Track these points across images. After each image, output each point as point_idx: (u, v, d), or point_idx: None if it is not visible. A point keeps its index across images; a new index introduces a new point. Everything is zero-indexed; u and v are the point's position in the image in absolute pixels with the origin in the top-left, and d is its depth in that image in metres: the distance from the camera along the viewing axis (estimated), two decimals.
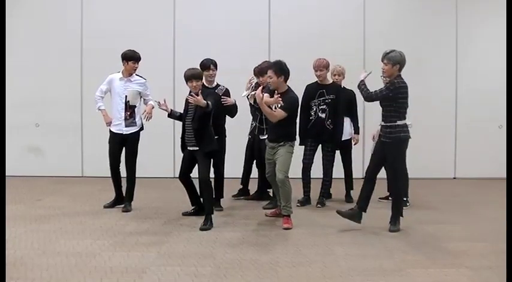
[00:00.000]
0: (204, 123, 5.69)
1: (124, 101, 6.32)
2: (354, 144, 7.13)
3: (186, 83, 5.73)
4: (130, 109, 6.35)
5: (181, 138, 5.90)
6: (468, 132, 9.04)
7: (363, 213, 5.57)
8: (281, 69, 5.71)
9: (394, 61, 5.36)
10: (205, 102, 5.52)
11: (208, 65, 6.36)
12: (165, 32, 9.00)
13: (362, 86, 5.50)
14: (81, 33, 9.05)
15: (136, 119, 6.37)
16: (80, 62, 9.04)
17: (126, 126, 6.33)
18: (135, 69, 6.36)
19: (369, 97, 5.46)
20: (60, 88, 8.97)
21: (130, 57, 6.29)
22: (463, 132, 9.09)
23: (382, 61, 5.43)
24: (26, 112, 9.00)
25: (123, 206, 6.42)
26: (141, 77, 6.44)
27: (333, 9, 8.98)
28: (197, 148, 5.72)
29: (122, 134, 6.35)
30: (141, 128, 6.46)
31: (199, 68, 6.09)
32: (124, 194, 6.47)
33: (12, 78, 8.68)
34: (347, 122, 6.93)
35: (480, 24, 9.03)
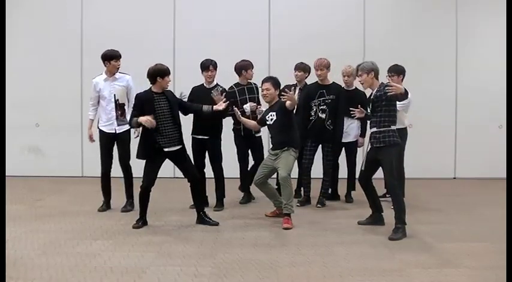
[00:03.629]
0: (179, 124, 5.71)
1: (114, 100, 6.32)
2: (358, 147, 7.11)
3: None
4: (121, 108, 6.37)
5: (151, 143, 5.54)
6: (468, 132, 9.04)
7: (382, 213, 5.72)
8: (278, 83, 6.00)
9: (368, 69, 5.41)
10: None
11: (207, 65, 6.38)
12: (165, 32, 9.00)
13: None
14: (81, 33, 9.06)
15: (127, 118, 6.36)
16: (80, 62, 9.04)
17: (118, 125, 6.35)
18: (118, 68, 6.35)
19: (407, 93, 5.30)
20: (60, 88, 8.98)
21: (111, 57, 6.28)
22: (463, 132, 9.09)
23: (357, 75, 5.52)
24: (26, 112, 9.00)
25: (123, 205, 6.43)
26: (124, 73, 6.43)
27: (333, 9, 8.98)
28: (180, 146, 5.67)
29: (114, 133, 6.36)
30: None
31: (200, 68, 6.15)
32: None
33: (12, 78, 8.69)
34: (354, 123, 6.91)
35: (480, 24, 9.03)
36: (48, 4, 9.08)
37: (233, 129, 6.83)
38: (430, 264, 4.44)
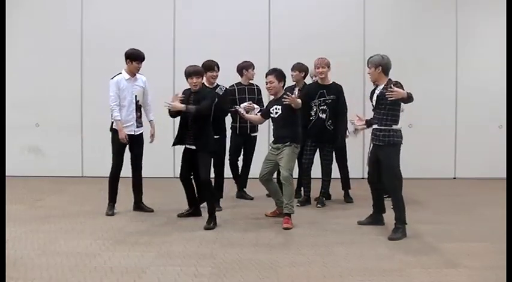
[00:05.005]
0: (200, 124, 5.69)
1: (135, 101, 6.18)
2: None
3: (187, 79, 5.74)
4: (139, 109, 6.27)
5: (178, 133, 5.86)
6: (468, 132, 9.04)
7: (383, 214, 5.72)
8: (282, 75, 5.94)
9: (376, 64, 5.38)
10: (183, 106, 5.63)
11: (212, 66, 6.39)
12: (165, 32, 9.00)
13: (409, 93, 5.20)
14: (81, 33, 9.05)
15: (143, 119, 6.35)
16: (80, 62, 9.04)
17: (137, 126, 6.23)
18: (139, 70, 6.23)
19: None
20: (60, 88, 8.97)
21: (136, 58, 6.12)
22: (463, 132, 9.09)
23: (367, 66, 5.51)
24: (26, 112, 8.99)
25: (140, 208, 6.39)
26: (141, 74, 6.37)
27: (333, 9, 8.98)
28: (194, 147, 5.73)
29: (132, 135, 6.19)
30: None
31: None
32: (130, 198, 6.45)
33: (12, 78, 8.68)
34: None
35: (480, 24, 9.03)
36: (48, 4, 9.08)
37: (230, 127, 6.96)
38: (430, 264, 4.44)
